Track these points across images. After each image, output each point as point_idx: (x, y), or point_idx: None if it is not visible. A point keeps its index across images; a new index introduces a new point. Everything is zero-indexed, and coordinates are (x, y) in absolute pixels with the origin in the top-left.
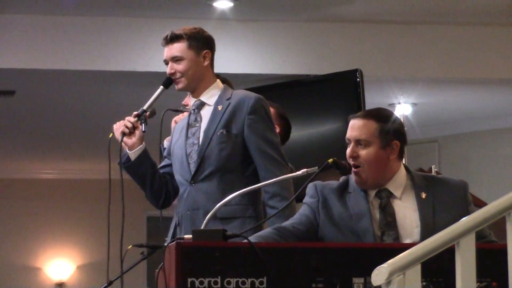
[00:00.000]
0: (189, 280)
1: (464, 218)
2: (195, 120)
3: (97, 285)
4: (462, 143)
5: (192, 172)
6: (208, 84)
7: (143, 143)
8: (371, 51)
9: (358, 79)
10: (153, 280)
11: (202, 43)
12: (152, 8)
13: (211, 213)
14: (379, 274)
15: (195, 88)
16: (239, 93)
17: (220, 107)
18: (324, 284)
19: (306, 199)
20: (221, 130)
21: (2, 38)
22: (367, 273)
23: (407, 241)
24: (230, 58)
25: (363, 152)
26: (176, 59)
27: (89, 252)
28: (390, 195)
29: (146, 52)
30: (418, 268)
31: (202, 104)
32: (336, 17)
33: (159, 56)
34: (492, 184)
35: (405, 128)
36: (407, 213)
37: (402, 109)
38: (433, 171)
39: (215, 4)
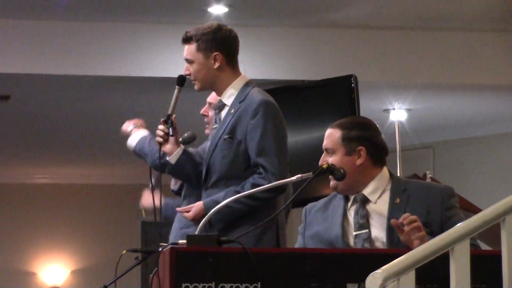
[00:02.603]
0: (183, 285)
1: (458, 224)
2: (215, 121)
3: None
4: (457, 149)
5: (203, 178)
6: (226, 84)
7: (181, 146)
8: (365, 57)
9: (352, 85)
10: (148, 285)
11: (212, 45)
12: (147, 13)
13: (205, 219)
14: (373, 280)
15: (212, 89)
16: (250, 96)
17: (232, 110)
18: None
19: (300, 226)
20: (225, 136)
21: None
22: (361, 279)
23: (377, 244)
24: None
25: (330, 160)
26: (188, 62)
27: (84, 257)
28: (366, 199)
29: (141, 57)
30: (412, 274)
31: (223, 105)
32: (330, 23)
33: (154, 61)
34: (486, 190)
35: (382, 135)
36: (379, 217)
37: (397, 115)
38: (427, 177)
39: (210, 10)
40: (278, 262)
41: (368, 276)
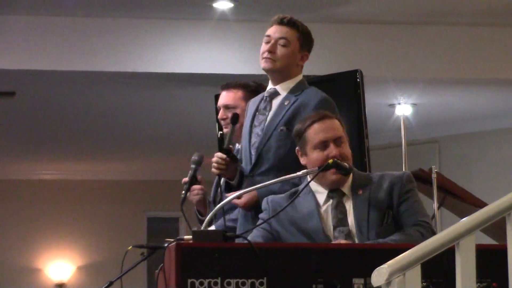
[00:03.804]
0: (189, 281)
1: (464, 219)
2: (265, 108)
3: (97, 286)
4: (463, 144)
5: (252, 165)
6: (290, 77)
7: (238, 168)
8: (371, 52)
9: (358, 80)
10: (153, 281)
11: (308, 45)
12: (152, 9)
13: (211, 213)
14: (379, 274)
15: (276, 74)
16: (309, 91)
17: (286, 102)
18: (324, 285)
19: (261, 214)
20: (282, 127)
21: (2, 39)
22: (367, 274)
23: (357, 237)
24: (230, 59)
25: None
26: (281, 40)
27: (89, 253)
28: (343, 194)
29: (146, 53)
30: (418, 269)
31: (275, 93)
32: (336, 18)
33: (159, 57)
34: (492, 184)
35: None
36: (351, 210)
37: (402, 110)
38: (433, 172)
39: (215, 5)
40: (284, 258)
41: (374, 271)
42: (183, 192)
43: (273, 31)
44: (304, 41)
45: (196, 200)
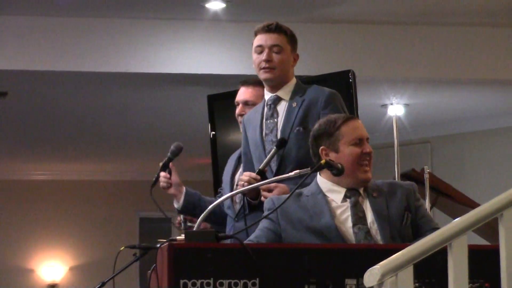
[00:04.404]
0: (182, 281)
1: (456, 219)
2: (272, 115)
3: (90, 286)
4: (455, 144)
5: (274, 171)
6: (287, 80)
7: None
8: (363, 52)
9: (350, 80)
10: (146, 282)
11: (296, 45)
12: (144, 9)
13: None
14: (372, 275)
15: (277, 81)
16: (312, 89)
17: (294, 104)
18: (317, 285)
19: (265, 213)
20: (297, 128)
21: None
22: (359, 274)
23: (379, 234)
24: (222, 59)
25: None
26: (274, 47)
27: (82, 254)
28: (359, 194)
29: (139, 53)
30: (410, 269)
31: (278, 99)
32: (328, 18)
33: (151, 57)
34: (484, 185)
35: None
36: (367, 210)
37: (395, 110)
38: (425, 172)
39: (207, 5)
40: (276, 258)
41: (366, 271)
42: (154, 178)
43: (263, 40)
44: (293, 43)
45: (163, 188)
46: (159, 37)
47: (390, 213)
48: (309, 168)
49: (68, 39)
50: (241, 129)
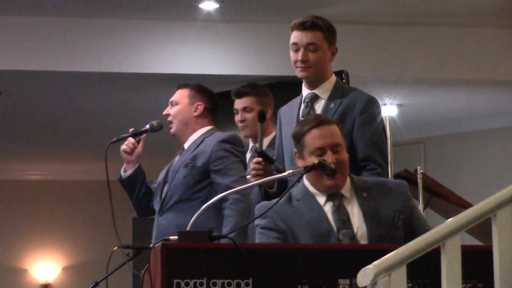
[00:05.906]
0: (175, 281)
1: (449, 220)
2: (308, 112)
3: (83, 286)
4: (448, 144)
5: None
6: (326, 78)
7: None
8: (356, 53)
9: (344, 80)
10: (139, 282)
11: (334, 39)
12: (138, 9)
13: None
14: (365, 275)
15: (313, 79)
16: (352, 92)
17: (332, 105)
18: (310, 285)
19: (261, 222)
20: None
21: None
22: (353, 275)
23: (359, 237)
24: (216, 60)
25: (340, 155)
26: (311, 46)
27: (75, 253)
28: (342, 196)
29: (132, 53)
30: (403, 269)
31: (315, 97)
32: None
33: (145, 57)
34: (477, 185)
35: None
36: (355, 211)
37: (388, 110)
38: (418, 172)
39: (201, 6)
40: (269, 258)
41: (360, 271)
42: (121, 136)
43: (299, 38)
44: (330, 37)
45: (122, 150)
46: (153, 38)
47: (380, 215)
48: (302, 168)
49: (61, 39)
50: (277, 124)
